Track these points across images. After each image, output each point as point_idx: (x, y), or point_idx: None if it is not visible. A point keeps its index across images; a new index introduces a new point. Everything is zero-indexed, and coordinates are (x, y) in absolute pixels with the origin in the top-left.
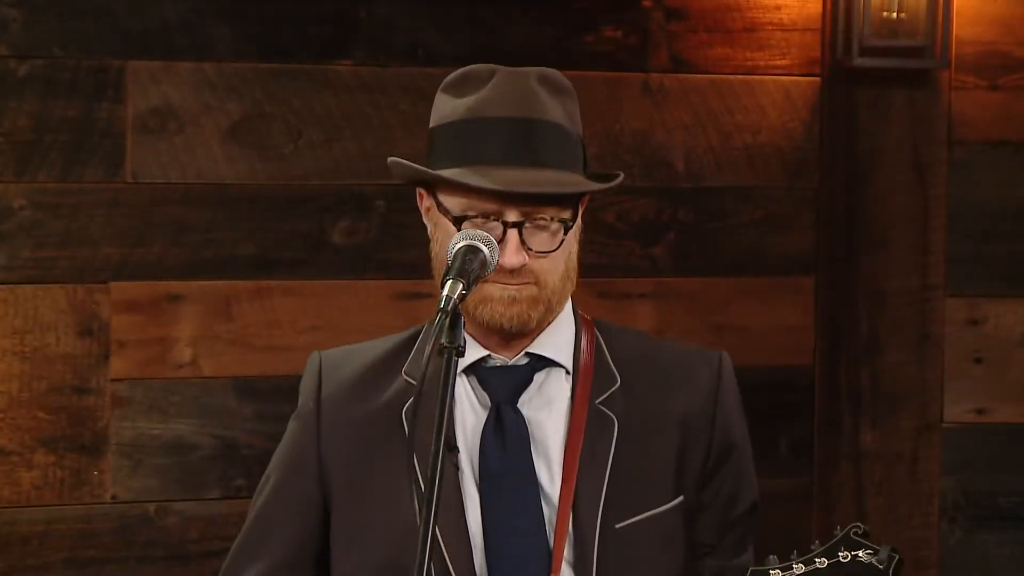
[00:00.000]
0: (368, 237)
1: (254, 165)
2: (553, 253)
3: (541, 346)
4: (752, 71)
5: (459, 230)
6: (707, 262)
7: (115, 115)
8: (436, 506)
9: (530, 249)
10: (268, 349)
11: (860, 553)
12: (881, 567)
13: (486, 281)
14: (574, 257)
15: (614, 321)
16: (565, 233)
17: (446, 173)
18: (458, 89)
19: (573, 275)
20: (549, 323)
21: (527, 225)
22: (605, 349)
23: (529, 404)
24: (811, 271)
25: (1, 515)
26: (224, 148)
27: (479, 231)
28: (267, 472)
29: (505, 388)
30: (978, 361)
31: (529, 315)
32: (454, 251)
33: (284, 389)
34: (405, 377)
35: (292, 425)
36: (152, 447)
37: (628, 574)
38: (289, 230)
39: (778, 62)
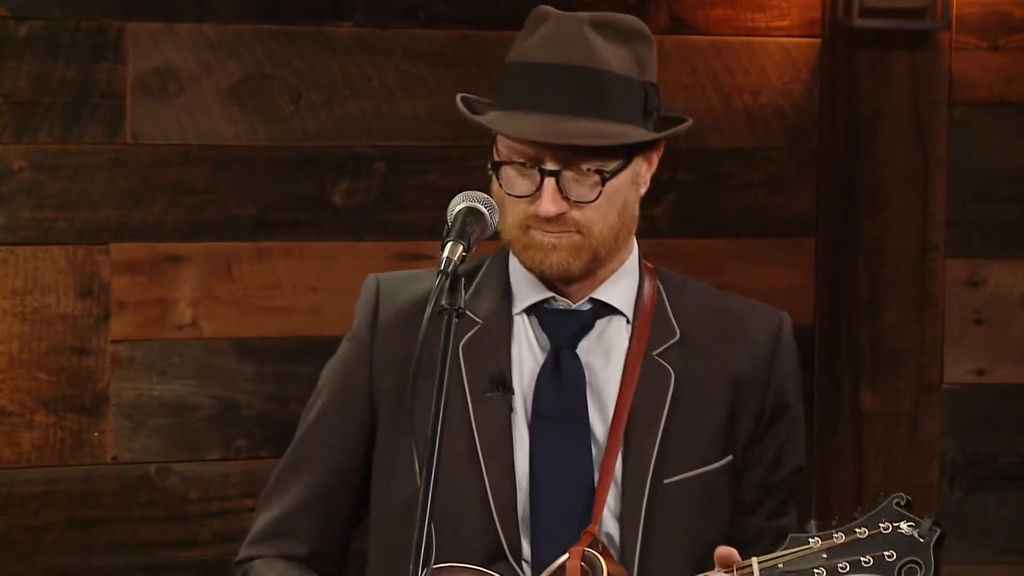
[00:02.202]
0: (368, 199)
1: (254, 126)
2: (595, 203)
3: (605, 293)
4: (752, 32)
5: (496, 175)
6: (707, 223)
7: (115, 76)
8: (436, 472)
9: (568, 198)
10: (268, 310)
11: (902, 525)
12: (923, 540)
13: (529, 228)
14: (631, 207)
15: None
16: (603, 184)
17: (486, 117)
18: (525, 30)
19: (631, 224)
20: (614, 271)
21: (566, 173)
22: (666, 300)
23: (588, 350)
24: (811, 232)
25: (1, 476)
26: (224, 109)
27: (478, 192)
28: (316, 391)
29: (566, 332)
30: (978, 322)
31: (570, 263)
32: (454, 212)
33: (284, 350)
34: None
35: (345, 347)
36: (152, 408)
37: (674, 530)
38: (289, 191)
39: (778, 23)
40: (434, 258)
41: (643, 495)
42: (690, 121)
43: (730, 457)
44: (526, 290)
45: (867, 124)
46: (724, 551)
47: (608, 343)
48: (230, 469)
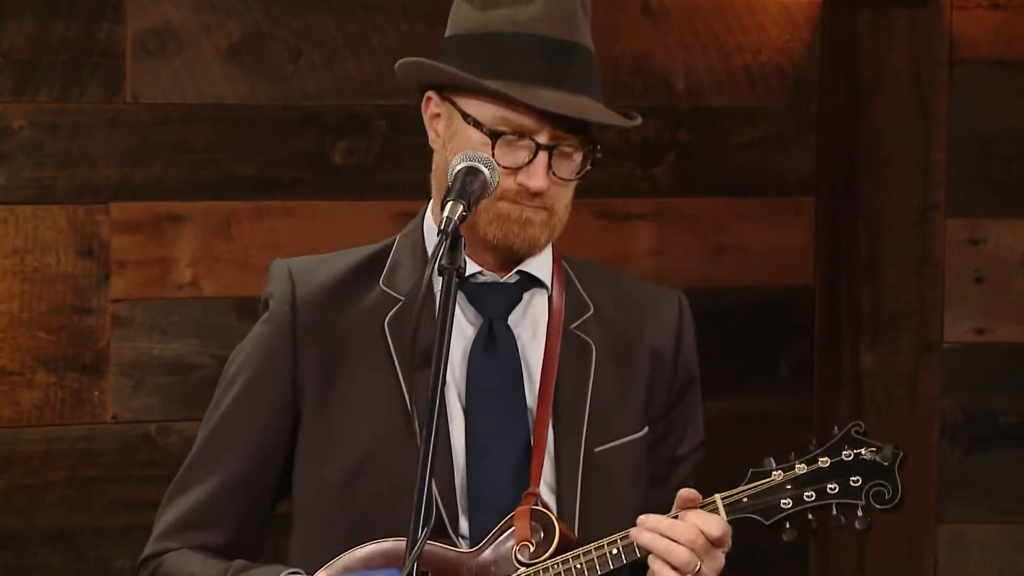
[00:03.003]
0: (368, 158)
1: (254, 86)
2: (569, 183)
3: (531, 266)
4: None
5: (494, 145)
6: (707, 183)
7: (115, 35)
8: (437, 430)
9: (554, 174)
10: (268, 269)
11: (863, 451)
12: (886, 464)
13: (501, 199)
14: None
15: (617, 241)
16: (591, 165)
17: (492, 84)
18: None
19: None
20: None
21: (557, 150)
22: (574, 277)
23: (516, 323)
24: (811, 191)
25: (2, 435)
26: (224, 69)
27: (479, 152)
28: (226, 382)
29: (497, 305)
30: (978, 281)
31: (539, 239)
32: (454, 172)
33: None
34: (383, 287)
35: (261, 330)
36: (153, 367)
37: (607, 499)
38: (289, 151)
39: None
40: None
41: (578, 464)
42: (638, 120)
43: (647, 429)
44: None
45: (867, 83)
46: (686, 492)
47: (534, 315)
48: None
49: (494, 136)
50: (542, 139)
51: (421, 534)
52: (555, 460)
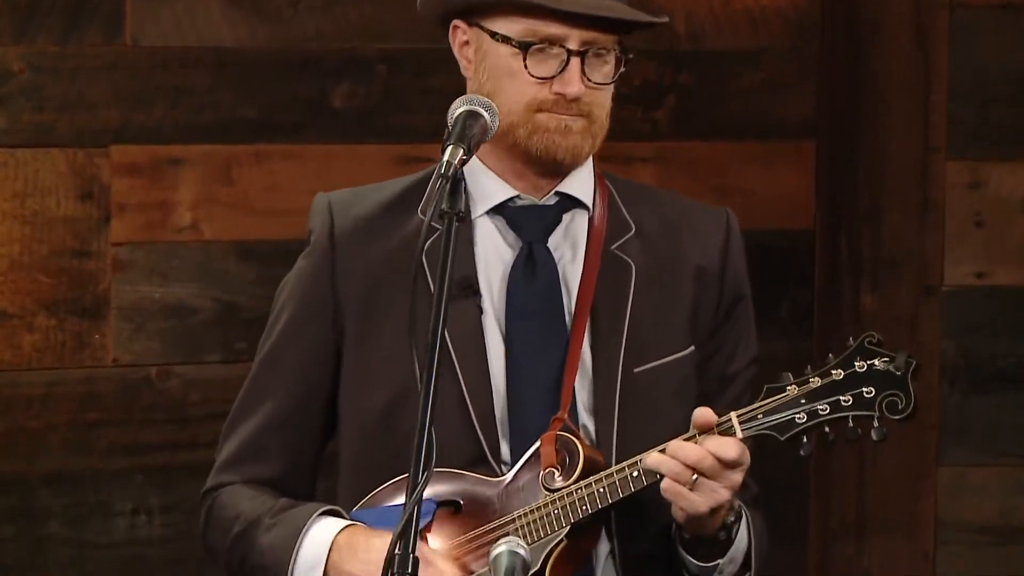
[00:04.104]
0: (368, 101)
1: (254, 29)
2: (606, 87)
3: (570, 186)
4: None
5: (525, 57)
6: (708, 126)
7: None
8: (436, 377)
9: (589, 80)
10: (268, 213)
11: (876, 361)
12: (899, 373)
13: (539, 111)
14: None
15: None
16: (623, 65)
17: None
18: None
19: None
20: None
21: (589, 55)
22: (617, 197)
23: (557, 245)
24: (812, 135)
25: (2, 378)
26: (224, 12)
27: (481, 96)
28: (274, 314)
29: (536, 227)
30: (979, 224)
31: (582, 147)
32: (454, 116)
33: (284, 252)
34: (421, 216)
35: (302, 263)
36: (153, 311)
37: (646, 419)
38: (289, 94)
39: None
40: (435, 161)
41: (616, 385)
42: (666, 18)
43: (693, 348)
44: (487, 190)
45: (868, 26)
46: (699, 414)
47: (574, 237)
48: (230, 372)
49: (524, 47)
50: (572, 45)
51: (421, 479)
52: (592, 382)
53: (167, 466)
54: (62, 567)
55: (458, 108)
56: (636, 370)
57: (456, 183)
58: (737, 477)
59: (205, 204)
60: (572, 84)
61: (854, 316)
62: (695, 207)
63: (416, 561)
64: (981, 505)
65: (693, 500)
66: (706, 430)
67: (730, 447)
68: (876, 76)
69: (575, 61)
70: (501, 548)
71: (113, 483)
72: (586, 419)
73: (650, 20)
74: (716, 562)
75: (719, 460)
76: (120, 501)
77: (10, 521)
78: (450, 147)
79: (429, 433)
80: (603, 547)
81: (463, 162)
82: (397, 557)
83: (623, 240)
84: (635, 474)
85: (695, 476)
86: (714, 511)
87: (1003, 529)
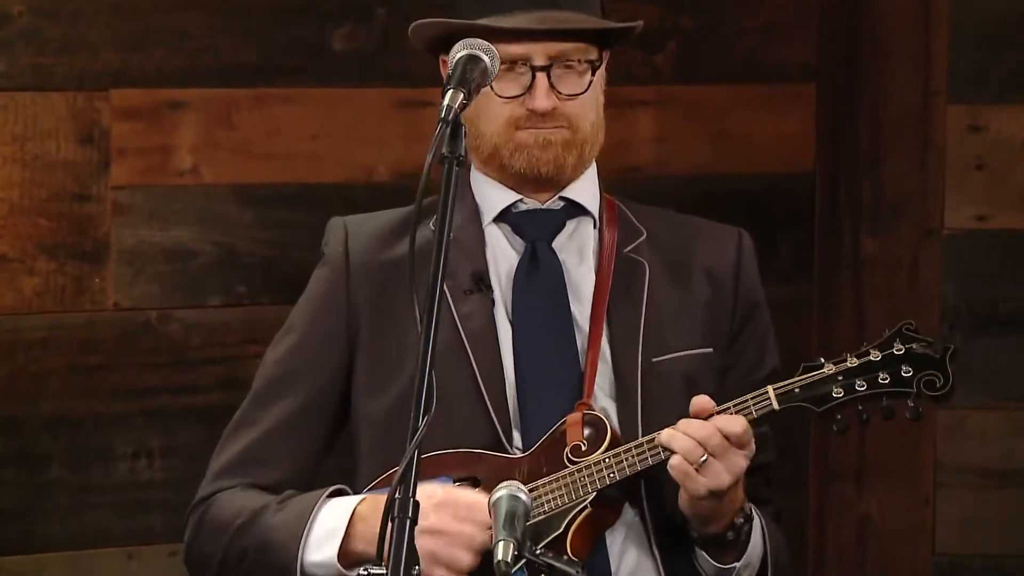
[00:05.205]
0: (369, 44)
1: None
2: (582, 96)
3: (574, 192)
4: None
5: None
6: (709, 70)
7: None
8: (435, 333)
9: (560, 92)
10: (269, 157)
11: (914, 345)
12: (937, 356)
13: (518, 129)
14: (601, 109)
15: (618, 129)
16: (592, 74)
17: (482, 21)
18: None
19: (603, 125)
20: (581, 173)
21: (555, 68)
22: (626, 211)
23: (562, 248)
24: (813, 79)
25: (3, 322)
26: None
27: (480, 40)
28: (286, 325)
29: (540, 229)
30: (979, 168)
31: (564, 159)
32: (455, 60)
33: (285, 196)
34: (433, 228)
35: (318, 273)
36: (153, 254)
37: (666, 408)
38: (290, 37)
39: None
40: (435, 104)
41: (636, 371)
42: (640, 23)
43: (711, 349)
44: (492, 199)
45: None
46: (698, 399)
47: (580, 242)
48: (231, 315)
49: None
50: (538, 61)
51: (421, 423)
52: (613, 371)
53: (167, 410)
54: (63, 510)
55: (459, 52)
56: (655, 359)
57: (456, 127)
58: (741, 461)
59: (205, 148)
60: (538, 99)
61: (854, 259)
62: (707, 223)
63: (416, 505)
64: (981, 448)
65: (697, 480)
66: (703, 417)
67: (735, 422)
68: (877, 20)
69: (540, 77)
70: (502, 492)
71: (114, 427)
72: (608, 406)
73: (607, 26)
74: (732, 565)
75: (726, 437)
76: (121, 445)
77: (11, 465)
78: (450, 91)
79: (429, 377)
80: (628, 513)
81: (463, 106)
82: (397, 501)
83: (635, 244)
84: (655, 450)
85: (704, 457)
86: (716, 496)
87: (1002, 472)
